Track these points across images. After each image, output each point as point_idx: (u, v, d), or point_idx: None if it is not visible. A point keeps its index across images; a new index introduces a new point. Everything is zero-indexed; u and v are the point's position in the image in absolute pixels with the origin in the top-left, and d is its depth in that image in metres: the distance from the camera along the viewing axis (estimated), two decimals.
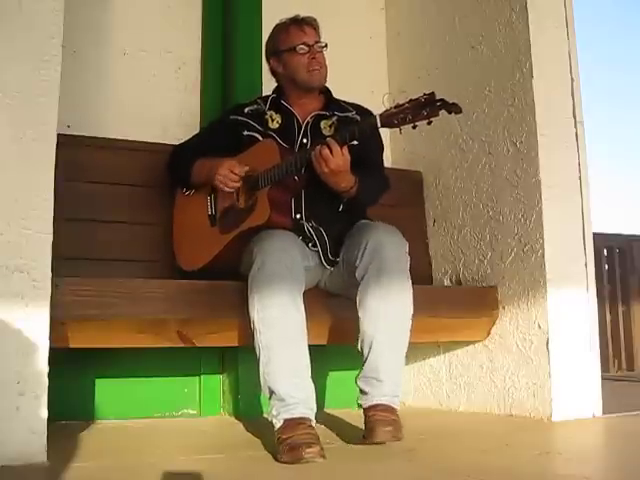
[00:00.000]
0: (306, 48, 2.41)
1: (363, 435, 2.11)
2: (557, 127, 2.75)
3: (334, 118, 2.46)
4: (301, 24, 2.45)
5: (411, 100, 2.02)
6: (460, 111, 2.02)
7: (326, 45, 2.44)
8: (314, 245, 2.32)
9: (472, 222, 2.96)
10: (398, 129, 2.06)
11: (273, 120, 2.46)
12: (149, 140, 2.82)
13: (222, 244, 2.36)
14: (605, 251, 5.40)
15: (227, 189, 2.35)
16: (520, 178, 2.75)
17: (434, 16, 3.24)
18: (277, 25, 2.52)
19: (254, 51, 3.00)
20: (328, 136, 2.28)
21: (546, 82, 2.74)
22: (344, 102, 2.55)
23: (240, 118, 2.49)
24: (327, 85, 2.52)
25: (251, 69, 3.00)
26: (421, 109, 1.99)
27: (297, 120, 2.45)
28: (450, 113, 2.01)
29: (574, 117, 2.79)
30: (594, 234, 2.81)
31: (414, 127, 2.03)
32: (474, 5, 2.99)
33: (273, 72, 2.53)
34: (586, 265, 2.73)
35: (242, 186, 2.35)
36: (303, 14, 3.12)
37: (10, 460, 1.80)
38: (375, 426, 2.06)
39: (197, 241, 2.48)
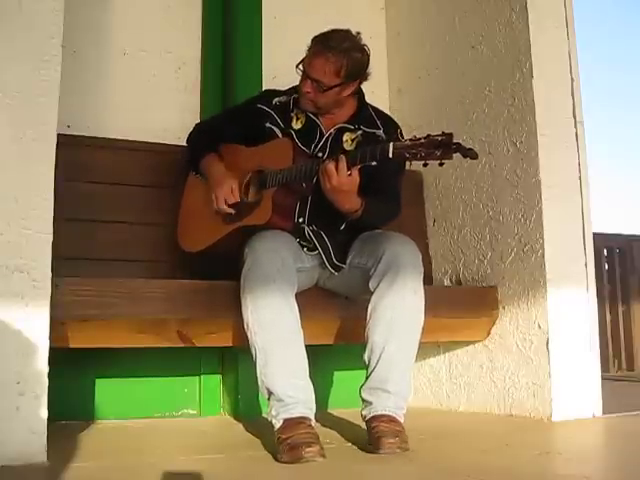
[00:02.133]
0: (305, 76, 2.30)
1: (368, 444, 2.06)
2: (557, 127, 2.75)
3: (359, 132, 2.36)
4: (313, 53, 2.26)
5: (428, 136, 1.96)
6: (476, 157, 1.98)
7: (330, 88, 2.26)
8: (311, 249, 2.31)
9: (472, 222, 2.96)
10: (408, 163, 2.03)
11: (298, 119, 2.39)
12: (149, 140, 2.82)
13: (222, 233, 2.35)
14: (605, 251, 5.40)
15: (221, 209, 2.32)
16: (520, 178, 2.75)
17: (434, 16, 3.24)
18: (321, 34, 2.29)
19: (254, 51, 3.01)
20: (348, 151, 2.26)
21: (546, 82, 2.74)
22: (376, 111, 2.44)
23: (266, 109, 2.43)
24: (362, 89, 2.41)
25: (251, 69, 3.01)
26: (435, 149, 1.94)
27: (320, 130, 2.37)
28: (465, 157, 1.97)
29: (574, 117, 2.79)
30: (594, 234, 2.81)
31: (425, 165, 1.99)
32: (474, 5, 3.00)
33: None
34: (586, 265, 2.73)
35: (251, 180, 2.35)
36: (304, 14, 3.12)
37: (10, 460, 1.80)
38: (380, 437, 2.00)
39: (200, 224, 2.47)
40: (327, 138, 2.37)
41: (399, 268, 2.12)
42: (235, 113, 2.58)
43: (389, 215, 2.41)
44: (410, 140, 2.00)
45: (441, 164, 1.97)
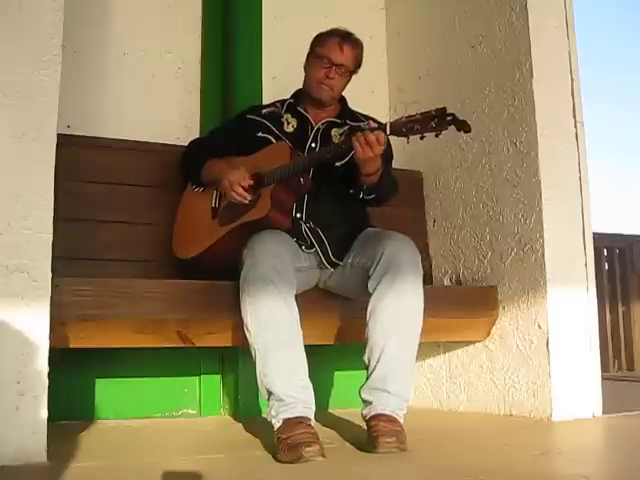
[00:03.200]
0: (328, 64, 2.41)
1: (367, 444, 2.06)
2: (557, 127, 2.75)
3: (346, 127, 2.48)
4: (343, 41, 2.43)
5: (423, 112, 2.04)
6: (469, 129, 2.03)
7: (351, 73, 2.46)
8: (309, 247, 2.32)
9: (472, 222, 2.96)
10: (406, 138, 2.08)
11: (289, 124, 2.49)
12: (149, 140, 2.82)
13: (218, 236, 2.36)
14: (605, 251, 5.41)
15: (237, 199, 2.30)
16: (520, 178, 2.75)
17: (434, 16, 3.24)
18: (329, 30, 2.49)
19: (254, 51, 3.01)
20: (337, 144, 2.34)
21: (546, 82, 2.74)
22: (358, 113, 2.57)
23: (257, 119, 2.50)
24: (343, 94, 2.55)
25: (251, 69, 3.00)
26: (430, 121, 2.01)
27: (310, 125, 2.48)
28: (459, 130, 2.02)
29: (574, 117, 2.79)
30: (594, 234, 2.81)
31: (422, 138, 2.05)
32: (474, 5, 3.00)
33: (304, 68, 2.53)
34: (586, 265, 2.73)
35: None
36: (304, 14, 3.12)
37: (10, 460, 1.80)
38: (378, 437, 2.01)
39: (195, 231, 2.48)
40: (317, 131, 2.47)
41: (398, 269, 2.13)
42: (227, 127, 2.63)
43: (394, 186, 2.47)
44: (406, 117, 2.07)
45: (437, 135, 2.03)
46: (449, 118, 2.00)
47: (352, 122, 2.50)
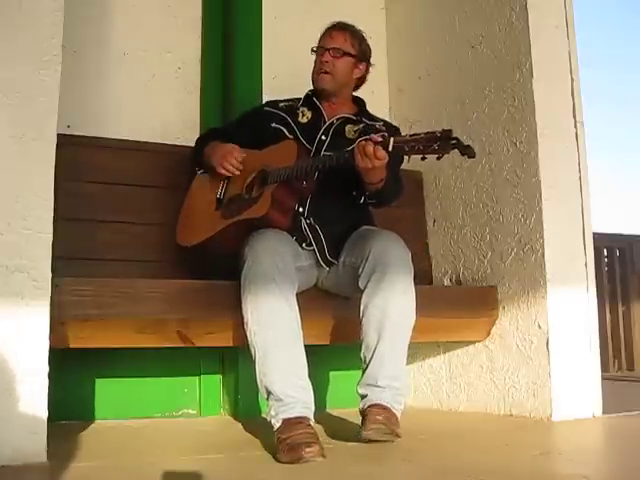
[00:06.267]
0: (321, 52, 2.46)
1: (358, 434, 2.09)
2: (557, 127, 2.75)
3: (361, 125, 2.49)
4: (332, 28, 2.50)
5: (427, 132, 2.03)
6: (474, 155, 2.02)
7: (349, 55, 2.46)
8: (309, 244, 2.33)
9: (472, 222, 2.96)
10: (407, 157, 2.08)
11: (304, 115, 2.51)
12: (149, 140, 2.82)
13: (218, 227, 2.37)
14: (605, 251, 5.41)
15: (223, 171, 2.37)
16: (520, 178, 2.75)
17: (434, 16, 3.24)
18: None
19: (254, 51, 3.01)
20: (350, 139, 2.36)
21: (546, 82, 2.74)
22: (375, 117, 2.59)
23: (273, 110, 2.53)
24: (362, 97, 2.58)
25: (251, 69, 3.00)
26: (433, 143, 1.99)
27: (323, 119, 2.49)
28: (463, 155, 2.01)
29: (574, 117, 2.79)
30: (594, 234, 2.81)
31: (423, 159, 2.04)
32: (474, 5, 3.00)
33: None
34: (586, 265, 2.73)
35: (255, 179, 2.37)
36: (304, 14, 3.14)
37: (10, 460, 1.80)
38: (368, 416, 2.05)
39: (198, 220, 2.49)
40: (330, 125, 2.47)
41: (386, 267, 2.14)
42: (242, 118, 2.65)
43: (398, 189, 2.44)
44: (410, 135, 2.06)
45: (439, 158, 2.01)
46: (453, 142, 1.98)
47: (368, 120, 2.51)
